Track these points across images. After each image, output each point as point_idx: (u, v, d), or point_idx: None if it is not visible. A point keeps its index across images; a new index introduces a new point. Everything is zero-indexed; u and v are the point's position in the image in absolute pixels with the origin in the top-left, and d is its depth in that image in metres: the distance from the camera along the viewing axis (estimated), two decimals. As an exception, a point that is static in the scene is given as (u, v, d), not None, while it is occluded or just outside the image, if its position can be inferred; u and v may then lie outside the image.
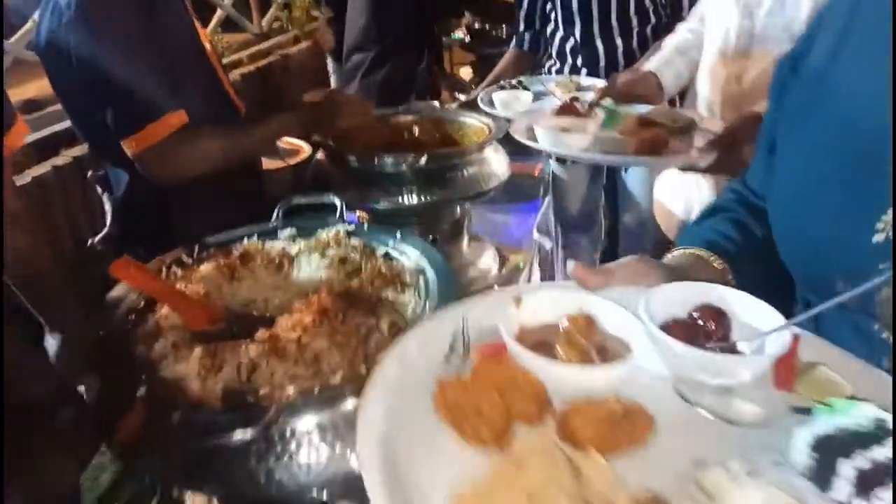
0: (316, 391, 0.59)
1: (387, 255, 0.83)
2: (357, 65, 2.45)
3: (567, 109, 1.63)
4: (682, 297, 0.60)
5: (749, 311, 0.60)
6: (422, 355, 0.54)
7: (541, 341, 0.57)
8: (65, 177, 1.77)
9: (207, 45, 1.27)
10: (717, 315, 0.60)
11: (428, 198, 1.24)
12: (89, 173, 1.28)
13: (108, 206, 1.22)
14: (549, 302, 0.60)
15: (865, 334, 0.67)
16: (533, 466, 0.48)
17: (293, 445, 0.61)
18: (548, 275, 1.64)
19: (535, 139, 1.28)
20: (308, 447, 0.61)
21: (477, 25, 3.07)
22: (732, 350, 0.58)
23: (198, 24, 1.28)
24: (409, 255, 0.82)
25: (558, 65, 2.22)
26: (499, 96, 2.02)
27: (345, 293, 0.72)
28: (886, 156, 0.63)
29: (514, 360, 0.54)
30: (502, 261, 1.49)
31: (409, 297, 0.74)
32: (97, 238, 1.22)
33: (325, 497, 0.70)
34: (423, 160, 1.24)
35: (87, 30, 1.07)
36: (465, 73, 3.52)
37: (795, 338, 0.56)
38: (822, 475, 0.47)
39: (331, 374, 0.61)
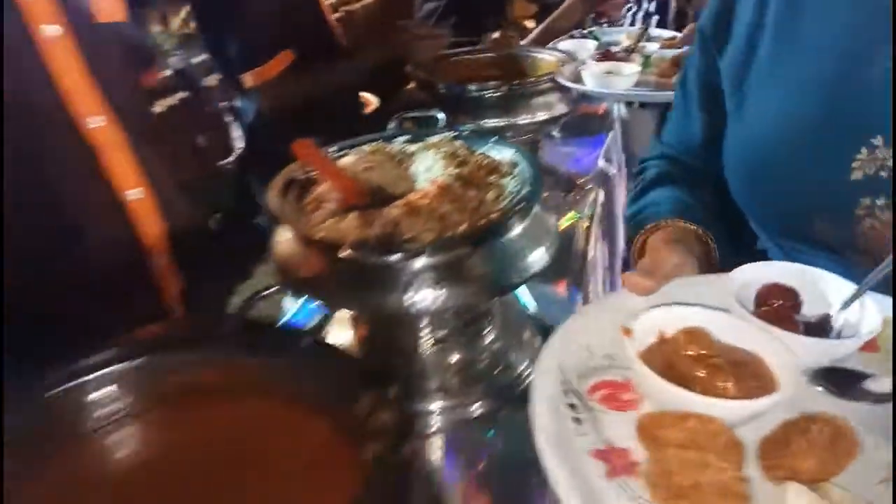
0: (448, 235, 0.79)
1: (486, 154, 1.02)
2: (429, 13, 2.61)
3: (605, 56, 1.80)
4: (743, 283, 0.60)
5: (800, 278, 0.60)
6: (555, 428, 0.50)
7: (662, 368, 0.52)
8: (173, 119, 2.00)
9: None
10: (788, 292, 0.60)
11: (508, 120, 1.42)
12: (221, 103, 1.51)
13: (237, 132, 1.45)
14: (652, 321, 0.57)
15: (846, 268, 0.67)
16: None
17: (428, 280, 0.81)
18: (610, 198, 1.80)
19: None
20: (434, 285, 0.81)
21: (539, -25, 3.17)
22: (828, 321, 0.57)
23: None
24: (504, 153, 1.00)
25: (634, 8, 2.36)
26: (565, 45, 2.17)
27: (458, 176, 0.91)
28: (859, 93, 0.64)
29: (668, 400, 0.49)
30: (571, 185, 1.66)
31: (508, 181, 0.93)
32: (230, 158, 1.45)
33: (439, 335, 0.91)
34: (504, 87, 1.41)
35: None
36: (529, 24, 3.61)
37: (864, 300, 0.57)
38: None
39: (456, 227, 0.81)
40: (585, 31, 2.35)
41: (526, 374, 0.99)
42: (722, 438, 0.46)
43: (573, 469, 0.45)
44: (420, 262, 0.78)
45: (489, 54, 1.62)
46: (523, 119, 1.44)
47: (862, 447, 0.47)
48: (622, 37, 2.27)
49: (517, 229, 0.86)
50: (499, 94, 1.41)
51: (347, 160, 0.97)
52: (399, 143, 1.05)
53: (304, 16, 1.43)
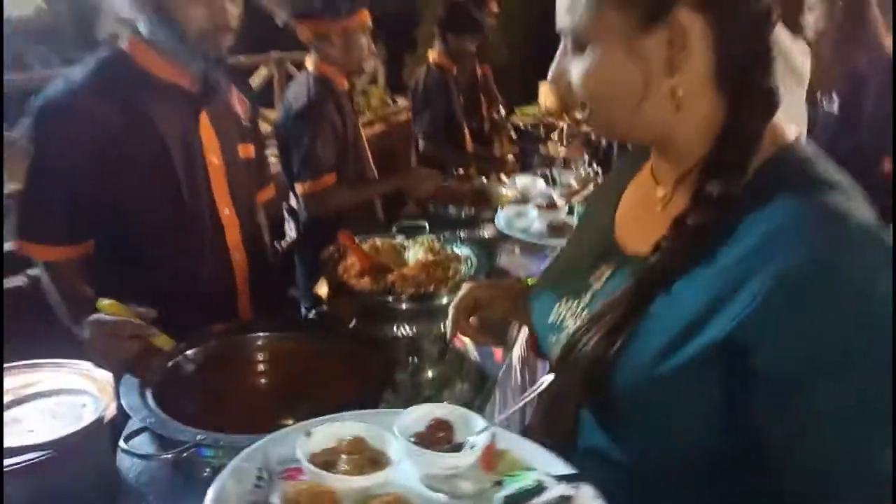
0: (426, 290, 1.39)
1: (451, 250, 1.64)
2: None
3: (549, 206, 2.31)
4: (418, 416, 0.81)
5: (460, 417, 0.82)
6: (235, 488, 0.69)
7: (326, 461, 0.74)
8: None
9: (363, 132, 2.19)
10: (445, 425, 0.81)
11: (476, 234, 2.07)
12: (285, 204, 2.16)
13: (292, 225, 2.09)
14: (331, 432, 0.78)
15: None
16: None
17: (408, 316, 1.39)
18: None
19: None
20: (410, 321, 1.40)
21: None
22: (460, 447, 0.77)
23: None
24: (463, 251, 1.63)
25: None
26: (521, 180, 2.78)
27: (433, 261, 1.53)
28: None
29: (315, 479, 0.70)
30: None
31: (464, 266, 1.55)
32: (284, 244, 2.09)
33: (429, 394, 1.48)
34: (472, 210, 2.08)
35: (297, 125, 1.97)
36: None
37: (493, 434, 0.78)
38: None
39: (432, 288, 1.41)
40: (546, 172, 3.00)
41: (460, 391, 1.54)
42: (327, 496, 0.68)
43: None
44: (404, 305, 1.38)
45: (465, 186, 2.31)
46: (486, 233, 2.10)
47: None
48: (573, 179, 2.91)
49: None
50: (468, 215, 2.08)
51: (366, 246, 1.59)
52: (399, 239, 1.68)
53: (350, 154, 2.12)
